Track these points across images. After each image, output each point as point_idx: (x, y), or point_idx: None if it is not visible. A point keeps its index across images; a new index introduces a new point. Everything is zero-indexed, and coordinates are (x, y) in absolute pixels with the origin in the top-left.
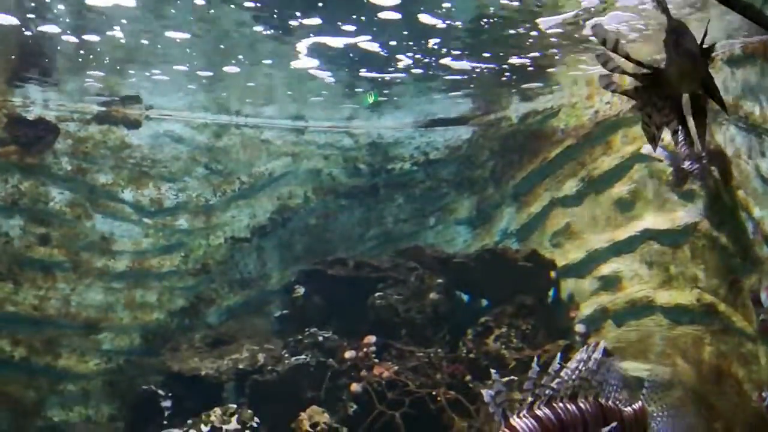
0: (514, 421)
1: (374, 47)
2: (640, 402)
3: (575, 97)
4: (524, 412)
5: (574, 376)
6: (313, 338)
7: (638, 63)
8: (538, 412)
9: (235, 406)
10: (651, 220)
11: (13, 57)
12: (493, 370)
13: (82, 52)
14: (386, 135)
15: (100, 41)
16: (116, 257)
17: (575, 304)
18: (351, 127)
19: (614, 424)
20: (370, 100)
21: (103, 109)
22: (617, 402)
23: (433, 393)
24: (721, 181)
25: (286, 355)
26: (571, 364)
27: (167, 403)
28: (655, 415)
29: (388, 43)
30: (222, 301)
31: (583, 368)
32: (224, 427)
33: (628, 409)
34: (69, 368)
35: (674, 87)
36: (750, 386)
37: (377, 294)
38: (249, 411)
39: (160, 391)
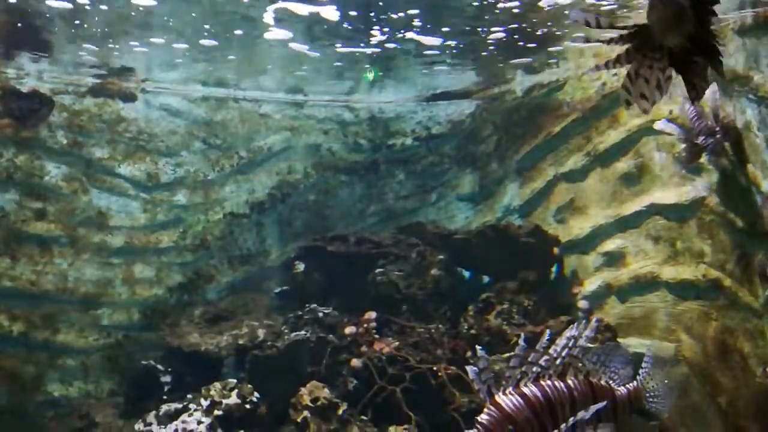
0: (500, 398)
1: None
2: (635, 382)
3: (582, 68)
4: (510, 389)
5: (563, 354)
6: (313, 314)
7: (622, 27)
8: (525, 390)
9: (235, 380)
10: (658, 194)
11: (4, 27)
12: (478, 347)
13: (76, 21)
14: (387, 109)
15: (94, 10)
16: (113, 232)
17: (578, 281)
18: (351, 101)
19: (604, 402)
20: (370, 76)
21: (98, 81)
22: (609, 381)
23: (434, 369)
24: (732, 156)
25: (286, 331)
26: (561, 342)
27: (167, 378)
28: (652, 394)
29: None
30: (221, 277)
31: (573, 346)
32: (224, 401)
33: (622, 388)
34: (68, 343)
35: (658, 38)
36: (755, 361)
37: (378, 270)
38: (249, 386)
39: (160, 366)
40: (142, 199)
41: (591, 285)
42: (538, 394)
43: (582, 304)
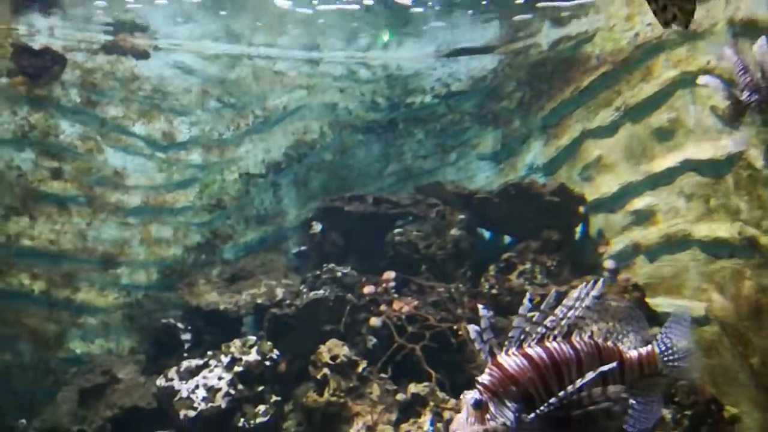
0: (502, 358)
1: None
2: (650, 346)
3: (613, 19)
4: (513, 349)
5: (569, 315)
6: (332, 274)
7: None
8: (529, 350)
9: (254, 338)
10: (692, 150)
11: None
12: (480, 305)
13: None
14: (406, 66)
15: None
16: (130, 192)
17: (605, 240)
18: (368, 57)
19: (613, 364)
20: (385, 38)
21: (111, 38)
22: (618, 343)
23: (455, 327)
24: None
25: (304, 290)
26: (567, 302)
27: (187, 336)
28: (672, 358)
29: None
30: (238, 238)
31: (581, 306)
32: (244, 358)
33: (633, 351)
34: (88, 302)
35: None
36: None
37: (396, 230)
38: (268, 343)
39: (180, 325)
40: (157, 158)
41: (618, 244)
42: (543, 355)
43: (608, 263)
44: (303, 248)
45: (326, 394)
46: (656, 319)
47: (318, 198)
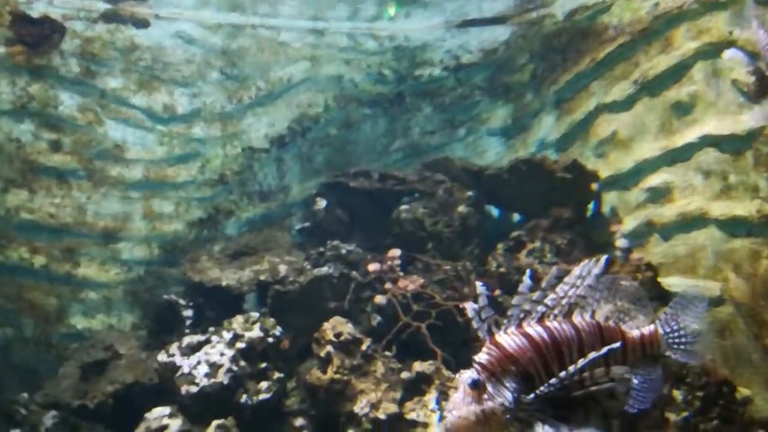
0: (501, 337)
1: None
2: (653, 326)
3: None
4: (513, 328)
5: (570, 293)
6: (336, 251)
7: None
8: (529, 330)
9: (257, 314)
10: (711, 124)
11: None
12: (478, 283)
13: None
14: (414, 37)
15: None
16: (130, 166)
17: (618, 218)
18: (375, 28)
19: (616, 344)
20: (392, 12)
21: (110, 6)
22: (619, 323)
23: (461, 306)
24: None
25: (308, 267)
26: (568, 280)
27: (188, 313)
28: (677, 340)
29: None
30: (241, 213)
31: (582, 285)
32: (246, 334)
33: (635, 332)
34: (89, 277)
35: None
36: None
37: (402, 207)
38: (271, 319)
39: (181, 301)
40: (158, 131)
41: (631, 222)
42: (544, 334)
43: (620, 242)
44: (307, 225)
45: (330, 372)
46: (669, 299)
47: (322, 174)
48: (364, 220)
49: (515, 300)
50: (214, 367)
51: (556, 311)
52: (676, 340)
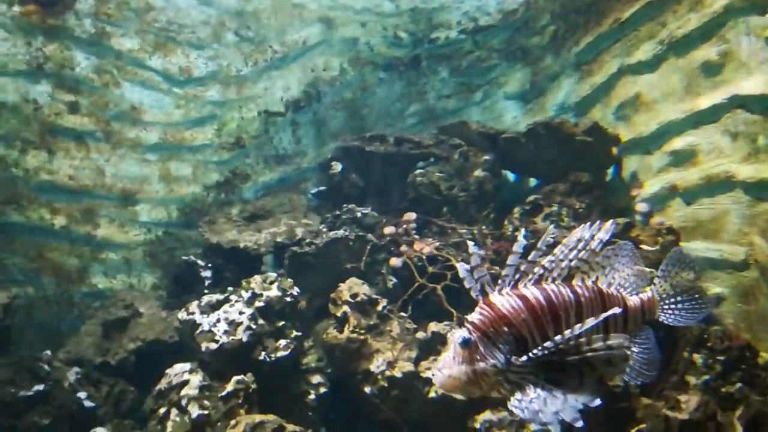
0: (495, 297)
1: None
2: (650, 291)
3: None
4: (507, 289)
5: (571, 256)
6: (351, 214)
7: None
8: (525, 291)
9: (275, 274)
10: (742, 84)
11: None
12: (470, 242)
13: None
14: None
15: None
16: (148, 128)
17: (638, 182)
18: None
19: (617, 309)
20: None
21: None
22: (622, 290)
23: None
24: None
25: (324, 230)
26: (569, 241)
27: (207, 273)
28: (671, 305)
29: None
30: (257, 177)
31: (585, 248)
32: (265, 293)
33: (635, 298)
34: (109, 238)
35: None
36: None
37: (418, 171)
38: (289, 279)
39: (200, 262)
40: (174, 93)
41: (653, 186)
42: (540, 296)
43: (640, 206)
44: (322, 189)
45: (346, 331)
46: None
47: (338, 138)
48: (380, 185)
49: (510, 259)
50: (234, 324)
51: (555, 274)
52: (668, 305)
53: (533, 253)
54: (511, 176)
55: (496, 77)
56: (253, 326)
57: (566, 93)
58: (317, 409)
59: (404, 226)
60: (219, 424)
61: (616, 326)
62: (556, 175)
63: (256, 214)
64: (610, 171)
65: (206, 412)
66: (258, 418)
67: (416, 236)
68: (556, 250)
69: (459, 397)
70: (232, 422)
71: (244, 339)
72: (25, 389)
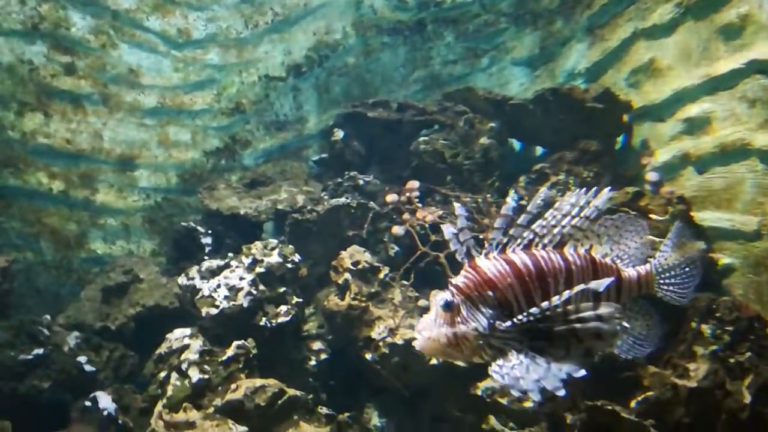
0: (481, 261)
1: None
2: (649, 265)
3: None
4: (495, 253)
5: (564, 222)
6: (353, 182)
7: None
8: (512, 256)
9: (275, 241)
10: (762, 49)
11: None
12: (456, 204)
13: None
14: None
15: None
16: (146, 92)
17: (649, 151)
18: None
19: (610, 279)
20: None
21: None
22: (617, 260)
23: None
24: None
25: (326, 197)
26: (562, 206)
27: (207, 240)
28: (670, 281)
29: None
30: (257, 143)
31: (578, 215)
32: (265, 259)
33: (632, 270)
34: (108, 203)
35: None
36: None
37: (422, 139)
38: (290, 246)
39: (200, 228)
40: (173, 56)
41: (664, 155)
42: (528, 262)
43: (650, 175)
44: (324, 156)
45: (347, 298)
46: (703, 234)
47: (340, 104)
48: (382, 152)
49: (497, 222)
50: (234, 290)
51: (546, 240)
52: (667, 281)
53: (522, 216)
54: (517, 144)
55: (503, 42)
56: (254, 292)
57: (576, 59)
58: (318, 375)
59: (407, 194)
60: (219, 388)
61: (608, 299)
62: (564, 142)
63: (257, 180)
64: (620, 139)
65: (206, 376)
66: (259, 382)
67: (419, 204)
68: (547, 214)
69: (460, 363)
70: (233, 386)
71: (245, 304)
72: (24, 353)
